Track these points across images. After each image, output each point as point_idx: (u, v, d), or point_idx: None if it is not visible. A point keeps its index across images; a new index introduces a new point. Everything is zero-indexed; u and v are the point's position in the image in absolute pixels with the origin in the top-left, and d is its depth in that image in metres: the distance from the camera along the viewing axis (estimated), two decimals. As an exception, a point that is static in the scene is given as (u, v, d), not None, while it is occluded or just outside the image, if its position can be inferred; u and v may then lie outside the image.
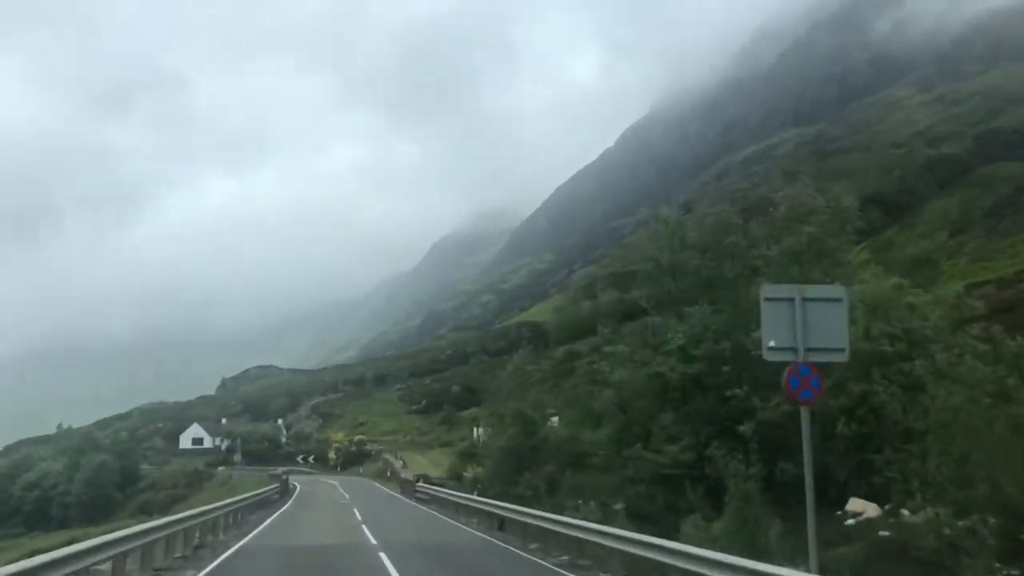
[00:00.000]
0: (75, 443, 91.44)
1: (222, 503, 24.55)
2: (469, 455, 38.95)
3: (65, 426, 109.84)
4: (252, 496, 30.46)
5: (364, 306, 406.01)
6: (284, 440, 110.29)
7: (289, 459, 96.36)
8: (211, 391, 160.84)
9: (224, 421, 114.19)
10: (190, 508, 25.20)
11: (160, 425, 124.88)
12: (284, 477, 45.20)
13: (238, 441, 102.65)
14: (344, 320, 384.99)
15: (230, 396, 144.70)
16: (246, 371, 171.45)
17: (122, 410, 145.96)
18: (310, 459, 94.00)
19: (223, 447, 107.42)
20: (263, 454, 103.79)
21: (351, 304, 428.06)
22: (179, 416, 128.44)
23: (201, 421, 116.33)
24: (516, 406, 30.23)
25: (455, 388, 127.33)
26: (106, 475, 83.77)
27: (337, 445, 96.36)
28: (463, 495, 29.45)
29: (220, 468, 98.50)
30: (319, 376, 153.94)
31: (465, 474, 35.94)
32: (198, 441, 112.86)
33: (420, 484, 40.47)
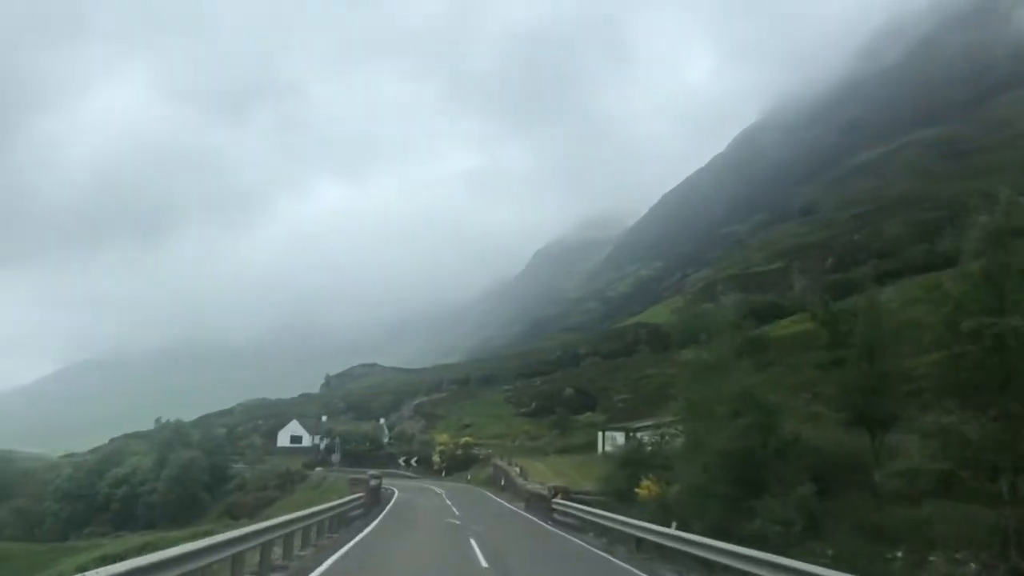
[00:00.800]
0: (165, 437, 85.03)
1: (248, 529, 14.09)
2: (635, 463, 27.01)
3: (163, 420, 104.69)
4: (317, 513, 19.80)
5: (470, 312, 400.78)
6: (386, 441, 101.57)
7: (390, 461, 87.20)
8: (316, 390, 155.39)
9: (325, 419, 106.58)
10: (279, 514, 18.99)
11: (260, 422, 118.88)
12: (374, 483, 34.61)
13: (337, 440, 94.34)
14: (451, 325, 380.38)
15: (333, 394, 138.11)
16: (350, 369, 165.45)
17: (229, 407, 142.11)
18: (412, 461, 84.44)
19: (321, 446, 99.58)
20: (363, 455, 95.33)
21: (458, 309, 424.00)
22: (281, 413, 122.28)
23: (301, 419, 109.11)
24: (741, 385, 18.12)
25: (567, 391, 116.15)
26: (194, 473, 76.66)
27: (442, 447, 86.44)
28: (661, 529, 17.65)
29: (317, 469, 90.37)
30: (423, 375, 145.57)
31: (640, 491, 24.21)
32: (296, 439, 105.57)
33: (558, 500, 29.05)
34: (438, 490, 55.12)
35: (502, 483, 58.00)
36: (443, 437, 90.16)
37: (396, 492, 44.95)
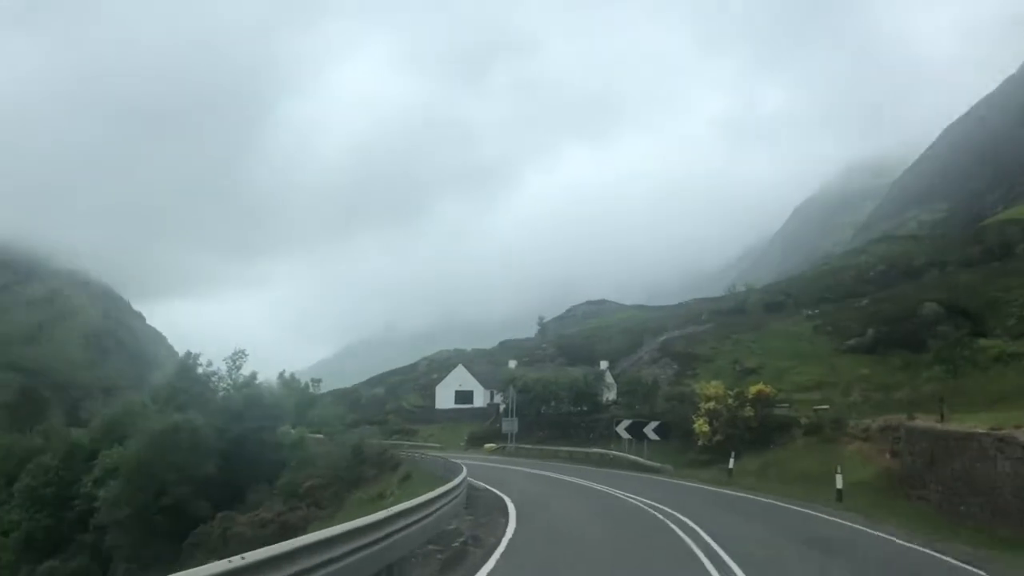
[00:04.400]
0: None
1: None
2: None
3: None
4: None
5: (721, 280, 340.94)
6: (609, 397, 58.80)
7: (608, 429, 44.44)
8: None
9: (513, 364, 65.70)
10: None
11: (435, 376, 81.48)
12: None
13: (511, 394, 53.11)
14: (704, 295, 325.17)
15: (543, 340, 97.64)
16: (570, 310, 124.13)
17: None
18: (649, 429, 40.18)
19: (501, 405, 59.46)
20: (562, 419, 53.66)
21: (711, 276, 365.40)
22: (483, 371, 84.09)
23: (472, 366, 70.01)
24: None
25: (927, 307, 67.09)
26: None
27: (711, 406, 41.33)
28: None
29: (487, 446, 50.58)
30: (674, 310, 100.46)
31: None
32: (465, 397, 66.44)
33: None
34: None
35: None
36: (712, 388, 44.21)
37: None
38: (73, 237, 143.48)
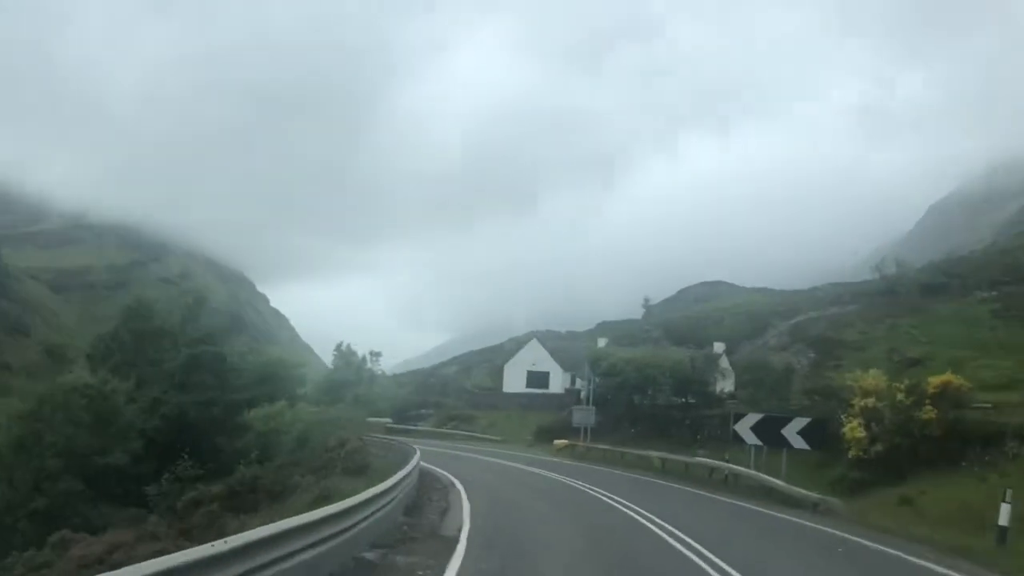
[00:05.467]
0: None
1: None
2: None
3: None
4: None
5: (852, 276, 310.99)
6: (723, 388, 45.48)
7: (722, 427, 31.71)
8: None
9: (603, 342, 53.03)
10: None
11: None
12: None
13: (589, 375, 40.82)
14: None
15: (647, 322, 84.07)
16: (681, 291, 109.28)
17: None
18: (791, 431, 27.07)
19: (581, 392, 47.41)
20: (658, 414, 41.04)
21: (839, 273, 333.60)
22: (561, 347, 72.14)
23: (548, 341, 58.08)
24: None
25: None
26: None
27: (868, 403, 27.86)
28: None
29: (558, 442, 38.70)
30: (808, 295, 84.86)
31: None
32: (538, 379, 54.62)
33: None
34: None
35: None
36: (873, 378, 30.22)
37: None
38: (201, 218, 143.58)
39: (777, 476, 24.44)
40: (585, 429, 38.43)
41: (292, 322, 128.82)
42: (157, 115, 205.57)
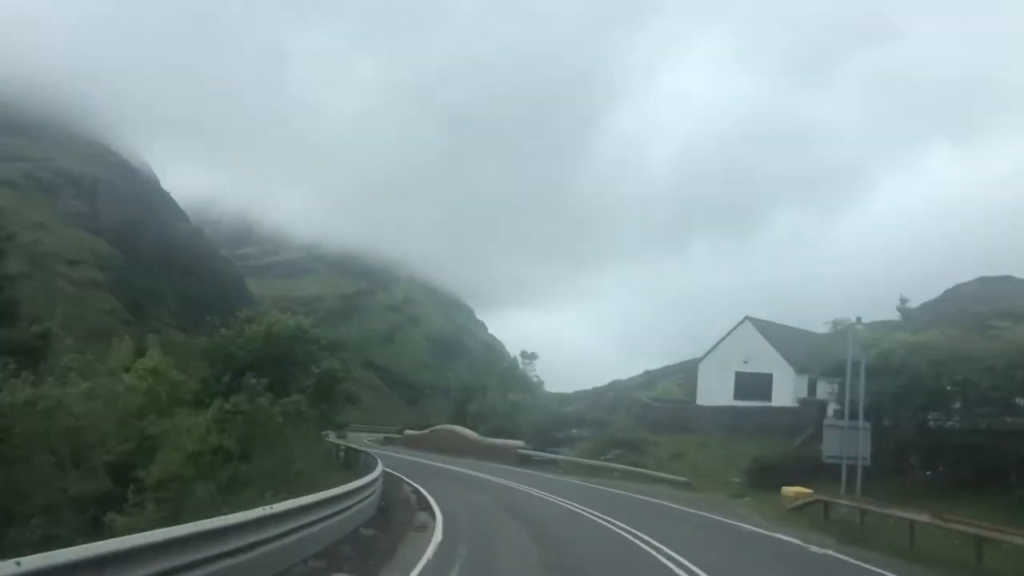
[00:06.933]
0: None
1: None
2: None
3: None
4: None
5: None
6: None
7: None
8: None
9: (857, 319, 32.88)
10: None
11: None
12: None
13: (852, 363, 21.88)
14: None
15: (906, 324, 61.15)
16: (953, 288, 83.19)
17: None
18: None
19: (830, 405, 28.53)
20: (972, 446, 21.21)
21: None
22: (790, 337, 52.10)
23: (769, 329, 38.70)
24: None
25: None
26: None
27: None
28: None
29: (789, 491, 20.38)
30: None
31: None
32: (755, 385, 35.49)
33: None
34: None
35: None
36: None
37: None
38: (422, 246, 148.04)
39: None
40: (849, 468, 19.90)
41: (508, 348, 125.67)
42: (375, 146, 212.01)
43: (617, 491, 27.04)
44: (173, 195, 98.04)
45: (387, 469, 25.45)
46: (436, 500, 20.68)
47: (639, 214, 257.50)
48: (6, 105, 74.54)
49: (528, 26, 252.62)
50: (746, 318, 40.39)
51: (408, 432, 54.62)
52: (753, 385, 36.68)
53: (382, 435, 58.54)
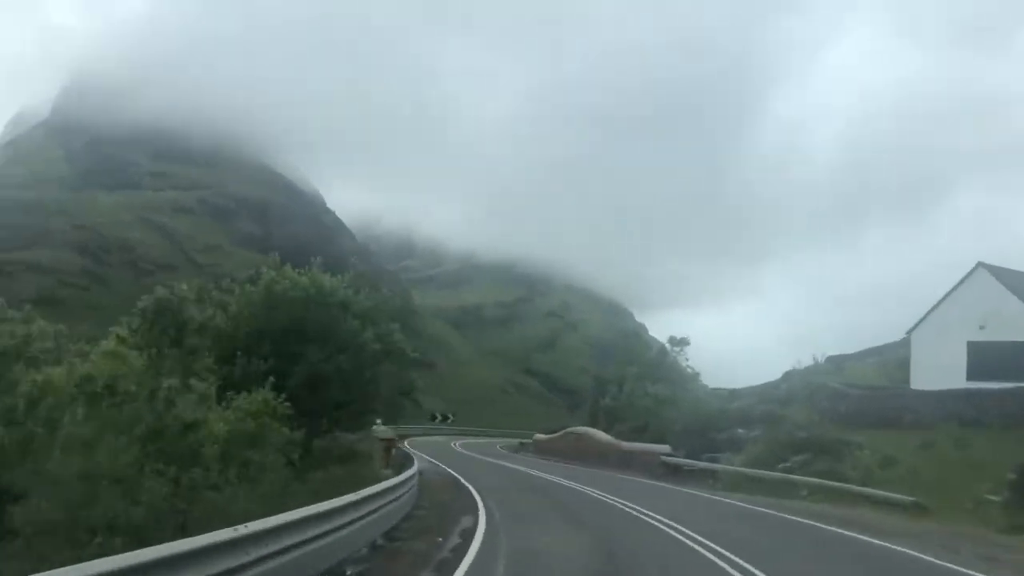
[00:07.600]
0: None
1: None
2: None
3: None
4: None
5: None
6: None
7: None
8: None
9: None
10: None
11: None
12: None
13: None
14: None
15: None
16: None
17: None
18: None
19: None
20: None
21: None
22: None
23: (1015, 279, 31.41)
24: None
25: None
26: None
27: None
28: None
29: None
30: None
31: None
32: (996, 355, 28.27)
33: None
34: None
35: None
36: None
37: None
38: (577, 250, 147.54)
39: None
40: None
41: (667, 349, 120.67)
42: (525, 151, 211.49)
43: (819, 524, 18.11)
44: (338, 213, 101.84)
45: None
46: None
47: (803, 204, 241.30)
48: (180, 137, 79.76)
49: (673, 15, 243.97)
50: (979, 264, 31.87)
51: (538, 437, 51.63)
52: (996, 358, 28.93)
53: (517, 441, 56.68)
